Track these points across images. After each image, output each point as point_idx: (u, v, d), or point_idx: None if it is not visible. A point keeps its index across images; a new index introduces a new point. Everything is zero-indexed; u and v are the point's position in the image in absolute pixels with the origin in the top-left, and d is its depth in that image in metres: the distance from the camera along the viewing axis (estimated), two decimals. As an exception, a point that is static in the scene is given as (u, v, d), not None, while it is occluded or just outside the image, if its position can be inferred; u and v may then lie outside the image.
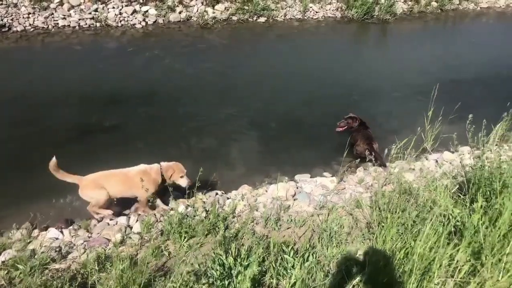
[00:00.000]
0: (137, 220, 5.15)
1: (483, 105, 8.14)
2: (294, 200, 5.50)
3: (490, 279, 2.97)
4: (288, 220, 4.81)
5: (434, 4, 17.05)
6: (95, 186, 5.04)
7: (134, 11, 12.47)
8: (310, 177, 6.42)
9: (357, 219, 4.74)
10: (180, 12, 13.02)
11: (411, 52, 12.81)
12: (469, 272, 3.20)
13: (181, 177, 5.35)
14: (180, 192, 5.72)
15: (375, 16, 15.12)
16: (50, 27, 11.45)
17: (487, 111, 6.47)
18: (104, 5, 12.22)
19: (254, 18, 13.76)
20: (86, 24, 11.77)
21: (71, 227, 5.04)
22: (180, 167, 5.38)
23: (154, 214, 5.20)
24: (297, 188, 5.98)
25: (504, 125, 6.80)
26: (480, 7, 18.34)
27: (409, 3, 16.80)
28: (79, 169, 5.17)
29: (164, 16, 12.69)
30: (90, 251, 4.30)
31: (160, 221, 5.06)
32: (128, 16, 12.36)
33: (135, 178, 5.00)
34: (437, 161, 6.52)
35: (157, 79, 9.32)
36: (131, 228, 4.98)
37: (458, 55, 12.57)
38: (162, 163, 5.34)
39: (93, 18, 11.87)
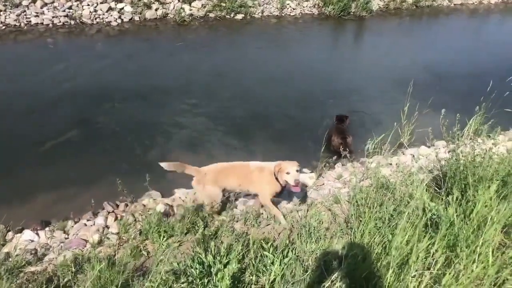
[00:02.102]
0: (115, 220, 5.09)
1: (457, 100, 8.30)
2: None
3: (465, 270, 3.03)
4: (267, 217, 4.83)
5: (409, 0, 17.28)
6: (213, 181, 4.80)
7: (110, 9, 12.29)
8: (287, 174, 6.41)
9: (335, 214, 4.78)
10: (156, 9, 12.88)
11: (387, 48, 12.97)
12: (444, 264, 3.25)
13: (287, 173, 4.67)
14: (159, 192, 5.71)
15: (351, 13, 15.25)
16: (22, 25, 11.19)
17: (461, 105, 6.61)
18: (78, 2, 12.00)
19: (232, 15, 13.72)
20: (60, 21, 11.54)
21: (47, 229, 4.94)
22: (286, 164, 4.73)
23: (132, 214, 5.14)
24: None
25: (478, 119, 6.92)
26: (454, 4, 18.69)
27: (385, 0, 16.97)
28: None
29: (140, 14, 12.54)
30: (67, 252, 4.22)
31: (138, 220, 5.00)
32: (103, 14, 12.17)
33: (254, 174, 4.83)
34: (413, 156, 6.61)
35: (132, 78, 9.19)
36: (108, 228, 4.92)
37: (433, 50, 12.78)
38: (276, 163, 4.87)
39: (67, 15, 11.65)
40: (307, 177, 6.16)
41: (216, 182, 4.83)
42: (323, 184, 5.93)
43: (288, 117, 8.22)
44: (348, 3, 15.07)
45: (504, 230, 3.78)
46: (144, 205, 5.41)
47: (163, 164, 4.69)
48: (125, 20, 12.35)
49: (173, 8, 13.11)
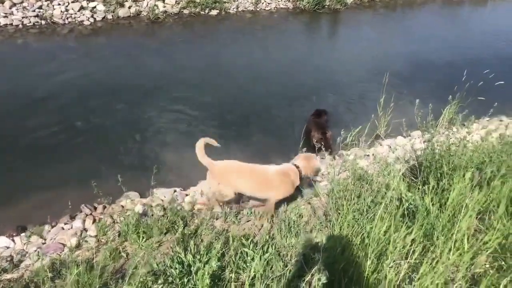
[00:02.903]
0: (93, 222, 5.02)
1: (433, 89, 8.43)
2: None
3: (441, 258, 3.07)
4: (248, 213, 4.82)
5: (383, -8, 17.44)
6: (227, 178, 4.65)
7: (82, 8, 12.06)
8: (269, 169, 6.42)
9: (315, 208, 4.80)
10: (129, 7, 12.71)
11: (362, 41, 13.07)
12: (422, 253, 3.29)
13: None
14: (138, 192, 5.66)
15: (326, 6, 15.29)
16: (-10, 26, 10.92)
17: (437, 95, 6.72)
18: (49, 2, 11.74)
19: (206, 11, 13.63)
20: (30, 22, 11.27)
21: (23, 234, 4.84)
22: (312, 159, 4.93)
23: (111, 216, 5.07)
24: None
25: (453, 108, 7.03)
26: (427, -6, 18.94)
27: (360, -8, 17.12)
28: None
29: (113, 12, 12.35)
30: (44, 258, 4.15)
31: (117, 222, 4.94)
32: (75, 13, 11.93)
33: (274, 178, 4.66)
34: (390, 147, 6.68)
35: (106, 78, 9.05)
36: (86, 231, 4.85)
37: (407, 41, 12.94)
38: (296, 162, 4.87)
39: (37, 15, 11.39)
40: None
41: (229, 183, 4.68)
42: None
43: (266, 112, 8.22)
44: (323, -4, 15.12)
45: (479, 216, 3.85)
46: (123, 206, 5.35)
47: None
48: (98, 18, 12.14)
49: (147, 5, 12.94)
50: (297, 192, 5.12)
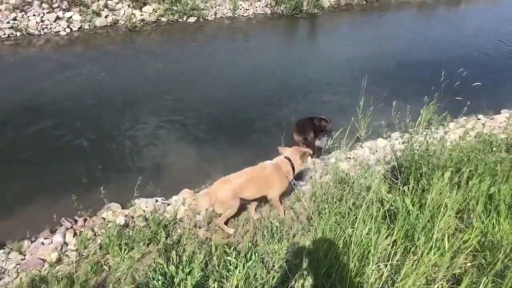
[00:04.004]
0: (74, 236, 4.93)
1: (411, 91, 8.51)
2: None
3: (422, 258, 3.10)
4: (231, 220, 4.80)
5: (359, -5, 17.65)
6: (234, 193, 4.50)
7: (57, 18, 11.88)
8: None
9: (298, 213, 4.81)
10: (106, 16, 12.57)
11: (340, 44, 13.19)
12: (404, 254, 3.32)
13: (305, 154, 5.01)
14: (119, 203, 5.59)
15: (304, 11, 15.36)
16: (-37, 38, 10.72)
17: (415, 96, 6.77)
18: (23, 13, 11.56)
19: (184, 19, 13.57)
20: (4, 34, 11.05)
21: (1, 251, 4.72)
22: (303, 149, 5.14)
23: (92, 228, 4.99)
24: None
25: (431, 108, 7.12)
26: (402, -3, 19.23)
27: (336, -4, 17.28)
28: None
29: (90, 22, 12.19)
30: (24, 274, 4.06)
31: (98, 235, 4.86)
32: (51, 24, 11.75)
33: (271, 175, 4.64)
34: (370, 149, 6.73)
35: (83, 89, 8.91)
36: (67, 245, 4.76)
37: (385, 44, 13.10)
38: (284, 152, 4.95)
39: (12, 27, 11.19)
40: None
41: (235, 194, 4.54)
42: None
43: (247, 117, 8.21)
44: (300, 1, 15.17)
45: (459, 215, 3.91)
46: (104, 218, 5.27)
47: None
48: (74, 29, 11.98)
49: (124, 14, 12.83)
50: (282, 196, 5.15)
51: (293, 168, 4.84)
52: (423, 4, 19.26)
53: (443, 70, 6.87)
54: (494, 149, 5.47)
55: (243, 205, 4.80)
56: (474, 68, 9.15)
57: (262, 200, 4.92)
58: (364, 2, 17.76)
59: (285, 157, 4.88)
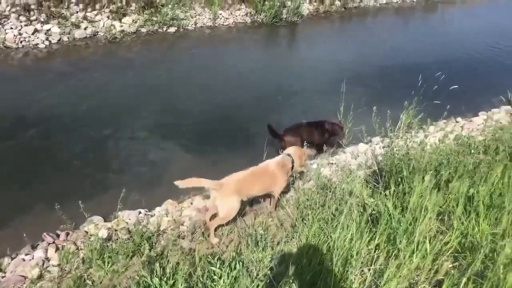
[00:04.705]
0: (56, 251, 4.85)
1: (390, 95, 8.63)
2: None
3: (405, 262, 3.13)
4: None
5: (337, 3, 17.85)
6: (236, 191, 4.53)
7: (36, 31, 11.76)
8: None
9: (282, 220, 4.82)
10: (85, 28, 12.47)
11: (320, 51, 13.30)
12: (386, 258, 3.35)
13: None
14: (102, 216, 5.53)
15: (283, 19, 15.48)
16: None
17: (394, 100, 6.87)
18: (0, 26, 11.43)
19: (164, 29, 13.55)
20: (-19, 48, 10.94)
21: (-21, 269, 4.63)
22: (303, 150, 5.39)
23: (74, 242, 4.92)
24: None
25: (410, 112, 7.23)
26: (379, 3, 19.49)
27: (314, 4, 17.43)
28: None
29: (69, 34, 12.09)
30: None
31: (81, 249, 4.80)
32: (29, 36, 11.61)
33: (275, 172, 4.80)
34: (352, 154, 6.79)
35: (63, 101, 8.81)
36: (49, 260, 4.68)
37: (364, 49, 13.27)
38: (289, 151, 5.15)
39: (-12, 41, 11.07)
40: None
41: (239, 193, 4.58)
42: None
43: (229, 126, 8.22)
44: (279, 10, 15.30)
45: (439, 218, 3.96)
46: (86, 232, 5.20)
47: (177, 183, 4.41)
48: (53, 41, 11.86)
49: (103, 25, 12.76)
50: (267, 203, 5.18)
51: (292, 166, 5.03)
52: (400, 10, 19.60)
53: (420, 75, 6.99)
54: (472, 151, 5.57)
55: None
56: (451, 72, 9.33)
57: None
58: (343, 9, 17.99)
59: (287, 154, 5.07)
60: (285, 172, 4.91)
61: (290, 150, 5.20)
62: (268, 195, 5.09)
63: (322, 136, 6.84)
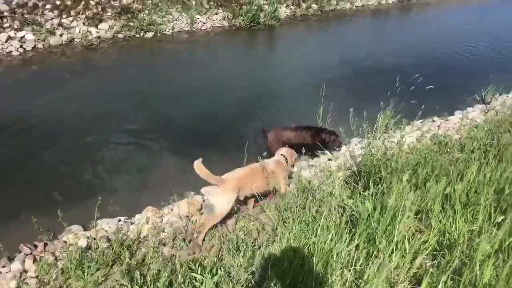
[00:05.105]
0: (34, 262, 4.76)
1: (367, 97, 8.70)
2: (201, 214, 5.45)
3: (384, 261, 3.16)
4: (196, 236, 4.75)
5: (314, 6, 17.97)
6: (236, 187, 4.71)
7: (9, 38, 11.52)
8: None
9: (263, 223, 4.81)
10: (61, 35, 12.29)
11: (298, 54, 13.36)
12: (366, 259, 3.37)
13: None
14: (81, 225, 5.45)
15: (261, 23, 15.51)
16: None
17: (372, 101, 6.93)
18: (-28, 34, 11.21)
19: (141, 34, 13.44)
20: (-48, 56, 10.69)
21: (-45, 285, 4.52)
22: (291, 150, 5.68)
23: (53, 253, 4.83)
24: (204, 201, 5.94)
25: (388, 113, 7.30)
26: (356, 6, 19.71)
27: (291, 7, 17.53)
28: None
29: (44, 41, 11.88)
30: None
31: (60, 259, 4.71)
32: (3, 44, 11.38)
33: (275, 171, 5.04)
34: (332, 155, 6.84)
35: (37, 110, 8.64)
36: (27, 272, 4.59)
37: (340, 52, 13.39)
38: (282, 152, 5.49)
39: (-40, 49, 10.83)
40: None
41: (238, 190, 4.75)
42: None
43: (210, 130, 8.21)
44: (257, 14, 15.34)
45: (418, 217, 4.01)
46: (65, 242, 5.12)
47: (197, 162, 4.66)
48: (28, 48, 11.64)
49: (79, 32, 12.58)
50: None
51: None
52: (376, 12, 19.86)
53: (397, 75, 7.07)
54: (448, 149, 5.67)
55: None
56: (427, 72, 9.46)
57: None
58: (320, 12, 18.13)
59: (281, 155, 5.43)
60: (283, 170, 5.19)
61: (283, 150, 5.54)
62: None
63: (313, 142, 6.96)
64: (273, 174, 5.01)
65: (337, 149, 7.03)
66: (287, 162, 5.36)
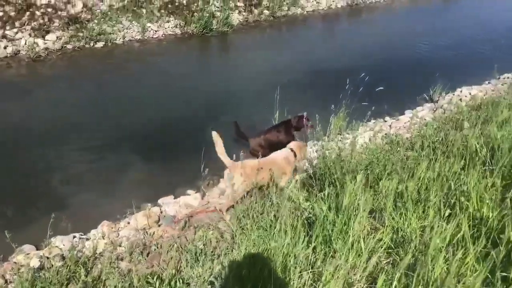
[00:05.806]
0: (-17, 287, 4.53)
1: (320, 99, 8.82)
2: (159, 225, 5.36)
3: (341, 262, 3.20)
4: (154, 248, 4.67)
5: (266, 12, 18.13)
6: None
7: None
8: (174, 198, 6.33)
9: (222, 232, 4.78)
10: (5, 47, 11.82)
11: (251, 60, 13.43)
12: (324, 260, 3.41)
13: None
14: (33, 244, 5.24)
15: (214, 29, 15.50)
16: None
17: (324, 104, 7.04)
18: None
19: (91, 44, 13.13)
20: None
21: None
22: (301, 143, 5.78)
23: (2, 276, 4.61)
24: (161, 212, 5.86)
25: (341, 116, 7.46)
26: (306, 11, 20.04)
27: (244, 14, 17.62)
28: None
29: (-14, 53, 11.44)
30: None
31: (10, 282, 4.50)
32: None
33: (283, 162, 5.23)
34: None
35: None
36: (-26, 299, 4.36)
37: (293, 56, 13.59)
38: (290, 146, 5.56)
39: None
40: (192, 199, 6.13)
41: (249, 176, 4.95)
42: (209, 202, 5.91)
43: (165, 140, 8.11)
44: (209, 21, 15.32)
45: (372, 215, 4.10)
46: (16, 263, 4.90)
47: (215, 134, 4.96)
48: (-32, 61, 11.19)
49: (25, 43, 12.15)
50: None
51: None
52: (327, 16, 20.27)
53: (348, 78, 7.24)
54: (399, 148, 5.83)
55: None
56: (378, 73, 9.72)
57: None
58: (272, 18, 18.32)
59: (290, 149, 5.50)
60: (290, 164, 5.35)
61: (292, 144, 5.61)
62: None
63: (289, 134, 6.94)
64: (280, 167, 5.20)
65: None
66: (295, 156, 5.45)
